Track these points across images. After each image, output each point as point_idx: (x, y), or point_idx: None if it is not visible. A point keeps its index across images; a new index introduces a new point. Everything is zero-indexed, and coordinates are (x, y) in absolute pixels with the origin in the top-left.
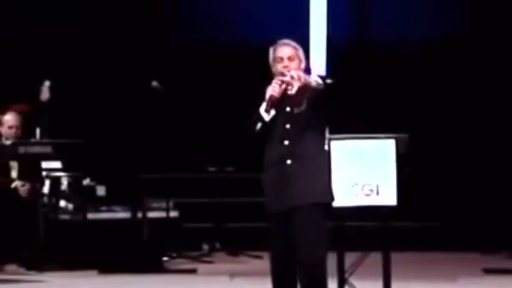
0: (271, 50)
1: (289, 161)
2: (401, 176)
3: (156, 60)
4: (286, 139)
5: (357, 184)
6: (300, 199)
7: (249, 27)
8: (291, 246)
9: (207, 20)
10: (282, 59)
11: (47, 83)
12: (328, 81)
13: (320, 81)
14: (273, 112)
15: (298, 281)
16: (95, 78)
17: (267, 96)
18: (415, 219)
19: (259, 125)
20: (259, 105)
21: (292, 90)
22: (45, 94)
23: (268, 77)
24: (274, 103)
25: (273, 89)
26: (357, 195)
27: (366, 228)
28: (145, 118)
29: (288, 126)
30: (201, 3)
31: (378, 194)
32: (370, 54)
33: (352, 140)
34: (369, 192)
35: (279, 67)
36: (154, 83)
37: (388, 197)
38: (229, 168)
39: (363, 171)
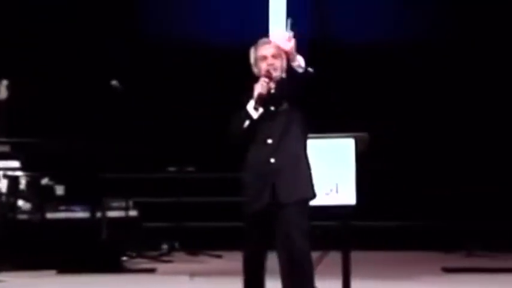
0: (252, 50)
1: (272, 160)
2: (361, 176)
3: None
4: (270, 138)
5: (316, 183)
6: (284, 197)
7: (206, 26)
8: (266, 246)
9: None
10: (265, 57)
11: (4, 82)
12: (310, 69)
13: (303, 64)
14: (261, 110)
15: (281, 276)
16: (52, 76)
17: (256, 93)
18: (375, 218)
19: (247, 122)
20: (234, 106)
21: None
22: (2, 93)
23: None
24: (262, 101)
25: (262, 87)
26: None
27: (326, 228)
28: (105, 117)
29: (271, 125)
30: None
31: (337, 193)
32: (330, 53)
33: (311, 139)
34: (329, 191)
35: (263, 66)
36: (114, 82)
37: (347, 196)
38: (190, 168)
39: (323, 170)
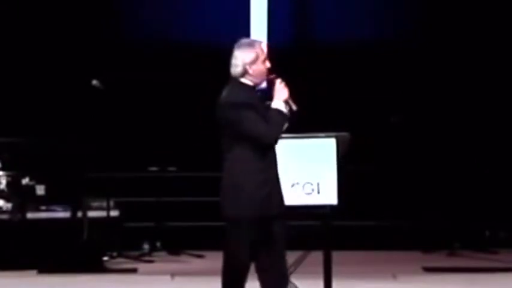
0: (256, 45)
1: (272, 169)
2: (343, 175)
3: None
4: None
5: (297, 183)
6: (280, 206)
7: (188, 25)
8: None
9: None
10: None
11: None
12: (294, 108)
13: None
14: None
15: (257, 273)
16: (34, 75)
17: (286, 96)
18: (356, 218)
19: (286, 125)
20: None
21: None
22: None
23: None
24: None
25: (286, 89)
26: (297, 194)
27: (307, 227)
28: (85, 117)
29: None
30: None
31: (318, 192)
32: (312, 54)
33: (292, 139)
34: (310, 191)
35: (268, 65)
36: (95, 82)
37: (328, 196)
38: (171, 168)
39: (304, 170)
